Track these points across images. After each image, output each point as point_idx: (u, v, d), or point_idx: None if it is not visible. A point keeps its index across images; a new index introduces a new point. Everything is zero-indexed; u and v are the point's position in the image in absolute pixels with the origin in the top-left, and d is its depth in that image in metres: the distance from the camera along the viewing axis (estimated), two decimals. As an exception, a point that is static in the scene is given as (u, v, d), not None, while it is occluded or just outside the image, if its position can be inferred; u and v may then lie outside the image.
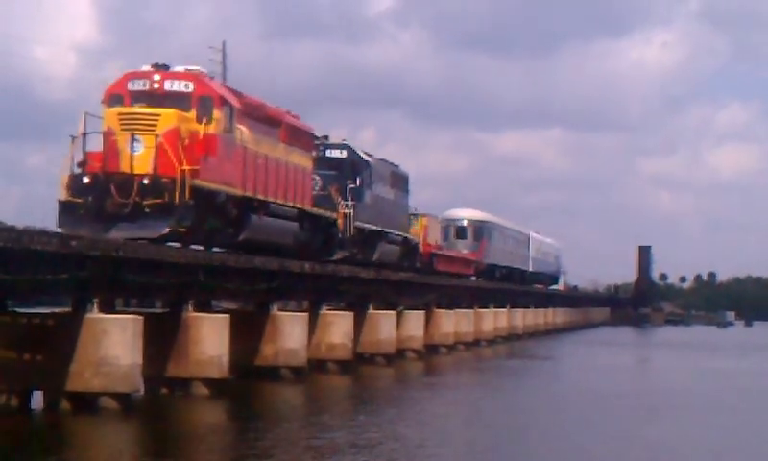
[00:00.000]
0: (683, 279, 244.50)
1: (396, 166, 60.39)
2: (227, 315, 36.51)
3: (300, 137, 43.33)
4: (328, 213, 46.14)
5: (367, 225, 51.71)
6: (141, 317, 30.84)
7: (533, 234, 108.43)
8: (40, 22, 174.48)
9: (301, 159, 43.27)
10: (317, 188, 46.17)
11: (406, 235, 60.71)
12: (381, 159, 57.34)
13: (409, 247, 61.59)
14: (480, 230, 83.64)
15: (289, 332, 41.57)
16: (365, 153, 53.66)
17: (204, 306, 37.12)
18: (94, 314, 29.72)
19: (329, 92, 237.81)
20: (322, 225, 45.62)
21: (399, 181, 59.99)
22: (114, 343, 29.57)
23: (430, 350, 61.36)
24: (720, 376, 54.58)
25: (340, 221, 47.21)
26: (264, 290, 40.14)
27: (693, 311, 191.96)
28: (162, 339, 33.92)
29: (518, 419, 32.91)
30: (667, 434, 29.91)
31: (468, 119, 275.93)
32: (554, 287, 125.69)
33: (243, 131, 37.56)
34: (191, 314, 34.99)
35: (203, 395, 34.32)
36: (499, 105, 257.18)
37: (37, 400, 30.30)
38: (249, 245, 38.60)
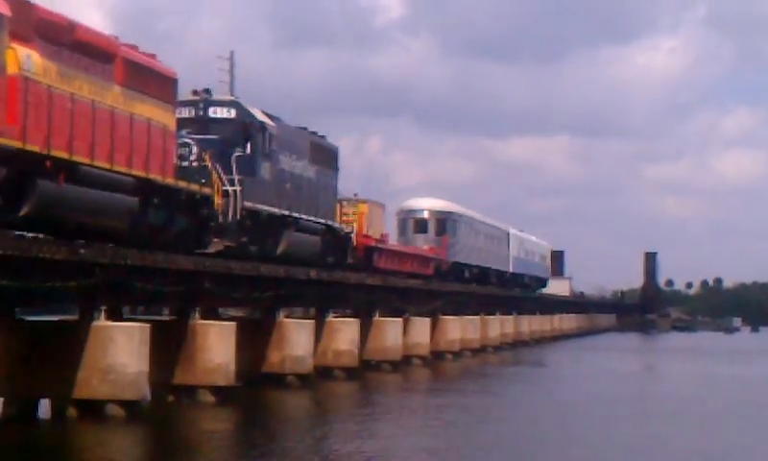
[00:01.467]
0: (689, 285, 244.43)
1: (321, 137, 48.79)
2: (233, 322, 36.58)
3: (149, 81, 32.33)
4: (199, 189, 35.26)
5: (264, 207, 40.15)
6: (148, 325, 30.90)
7: (514, 231, 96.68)
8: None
9: (153, 112, 32.45)
10: (188, 156, 36.14)
11: (331, 224, 48.49)
12: (298, 127, 46.29)
13: (336, 238, 49.86)
14: (443, 222, 71.75)
15: (295, 339, 41.64)
16: (265, 113, 41.63)
17: (211, 314, 37.16)
18: (101, 322, 29.78)
19: (338, 100, 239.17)
20: (186, 204, 34.70)
21: (323, 155, 48.03)
22: (121, 350, 29.62)
23: (436, 356, 61.41)
24: (730, 382, 54.51)
25: (219, 200, 36.31)
26: (270, 297, 40.21)
27: (699, 317, 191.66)
28: (169, 346, 33.95)
29: (523, 428, 32.93)
30: (666, 438, 29.95)
31: (474, 126, 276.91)
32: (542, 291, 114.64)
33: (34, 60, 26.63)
34: (198, 322, 35.03)
35: (209, 402, 34.35)
36: (506, 111, 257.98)
37: (45, 407, 30.38)
38: (34, 223, 27.62)
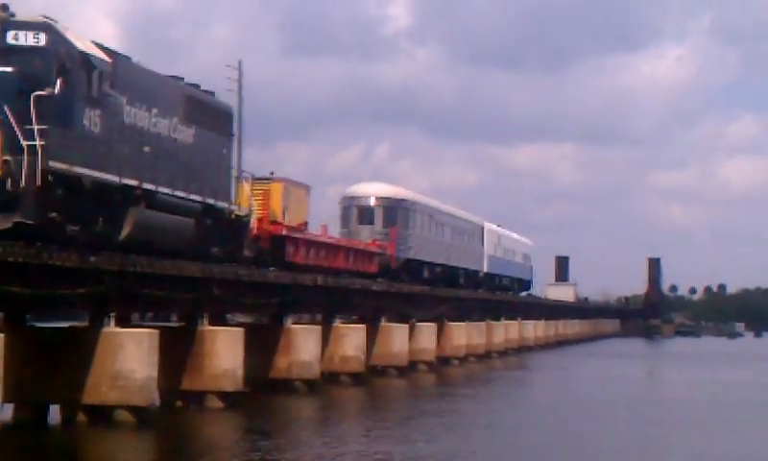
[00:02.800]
0: (692, 291, 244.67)
1: (206, 92, 37.84)
2: (241, 328, 36.73)
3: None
4: None
5: (90, 171, 28.99)
6: (157, 331, 31.06)
7: (489, 226, 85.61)
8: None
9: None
10: None
11: (214, 203, 36.83)
12: (168, 76, 35.48)
13: (224, 223, 38.12)
14: (393, 212, 60.35)
15: (302, 345, 41.81)
16: (101, 46, 30.83)
17: (219, 320, 37.31)
18: (111, 328, 29.95)
19: (346, 109, 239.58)
20: None
21: (207, 114, 36.86)
22: (130, 356, 29.78)
23: (442, 362, 61.62)
24: (734, 387, 54.60)
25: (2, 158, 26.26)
26: (278, 303, 40.38)
27: (703, 322, 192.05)
28: (177, 352, 34.10)
29: (526, 433, 33.05)
30: (663, 439, 30.07)
31: (481, 134, 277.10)
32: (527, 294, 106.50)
33: None
34: (206, 328, 35.21)
35: (217, 408, 34.51)
36: (513, 119, 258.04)
37: (54, 413, 30.53)
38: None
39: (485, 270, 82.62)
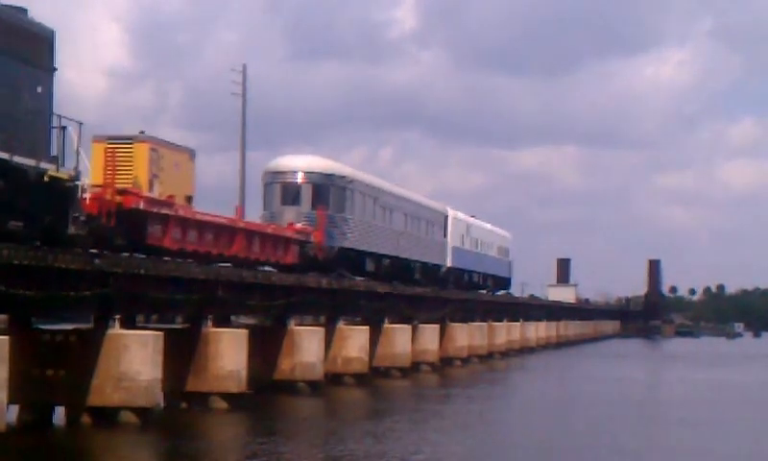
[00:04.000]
0: (692, 292, 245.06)
1: (14, 8, 27.38)
2: (245, 330, 36.71)
3: None
4: None
5: None
6: (161, 333, 31.08)
7: (455, 213, 74.11)
8: (72, 47, 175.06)
9: None
10: None
11: (14, 159, 26.16)
12: None
13: (33, 188, 26.96)
14: (325, 190, 49.76)
15: (306, 347, 41.82)
16: None
17: (223, 322, 37.28)
18: (115, 330, 29.94)
19: (351, 112, 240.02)
20: None
21: (10, 37, 26.29)
22: (135, 358, 29.79)
23: (445, 363, 61.65)
24: (733, 388, 54.59)
25: None
26: (282, 305, 40.36)
27: (702, 323, 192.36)
28: (182, 354, 34.13)
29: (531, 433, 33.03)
30: (657, 437, 30.06)
31: (485, 137, 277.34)
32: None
33: None
34: (210, 329, 35.19)
35: (221, 409, 34.50)
36: (516, 122, 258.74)
37: (59, 414, 30.51)
38: None
39: (449, 264, 71.02)
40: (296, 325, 42.40)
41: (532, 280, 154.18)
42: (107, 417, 29.53)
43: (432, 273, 66.77)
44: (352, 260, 51.61)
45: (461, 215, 76.00)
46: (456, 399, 43.68)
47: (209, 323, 35.26)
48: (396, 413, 36.80)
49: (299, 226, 47.01)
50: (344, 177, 51.45)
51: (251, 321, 44.01)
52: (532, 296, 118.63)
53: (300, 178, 49.51)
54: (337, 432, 31.00)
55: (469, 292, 74.27)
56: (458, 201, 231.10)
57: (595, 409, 40.49)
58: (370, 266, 54.29)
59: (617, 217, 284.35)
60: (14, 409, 29.51)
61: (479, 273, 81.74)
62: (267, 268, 42.82)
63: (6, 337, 23.88)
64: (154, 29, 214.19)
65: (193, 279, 33.65)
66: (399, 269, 59.34)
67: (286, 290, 40.53)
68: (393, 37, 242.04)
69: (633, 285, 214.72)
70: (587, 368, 69.24)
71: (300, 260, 45.38)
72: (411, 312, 56.40)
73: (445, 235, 70.34)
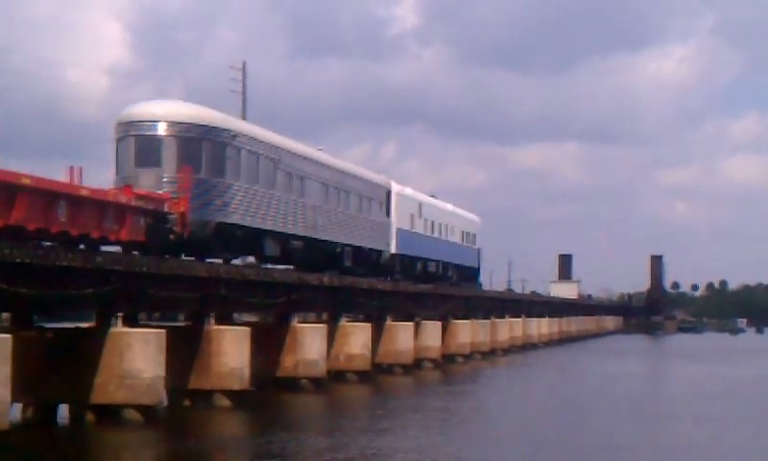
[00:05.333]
0: (694, 288, 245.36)
1: None
2: (247, 328, 36.76)
3: None
4: None
5: None
6: (164, 330, 31.11)
7: (401, 189, 61.23)
8: (74, 46, 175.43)
9: None
10: None
11: None
12: None
13: None
14: (196, 146, 37.46)
15: (309, 344, 41.86)
16: None
17: (226, 319, 37.32)
18: (118, 328, 30.03)
19: (353, 109, 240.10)
20: None
21: None
22: (138, 356, 29.86)
23: (447, 359, 61.67)
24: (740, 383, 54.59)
25: None
26: (284, 303, 40.40)
27: (705, 319, 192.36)
28: (185, 352, 34.17)
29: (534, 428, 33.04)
30: (652, 432, 30.04)
31: (487, 133, 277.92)
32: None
33: None
34: (213, 327, 35.24)
35: (224, 406, 34.54)
36: (518, 119, 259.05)
37: (63, 412, 30.56)
38: None
39: (393, 250, 58.43)
40: (298, 322, 42.41)
41: (534, 277, 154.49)
42: (110, 415, 29.61)
43: (369, 260, 54.77)
44: (240, 240, 39.81)
45: (409, 191, 63.44)
46: (458, 395, 43.67)
47: (212, 320, 35.31)
48: (398, 409, 36.83)
49: (144, 191, 34.80)
50: (225, 130, 38.99)
51: (253, 318, 44.08)
52: (534, 292, 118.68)
53: (161, 130, 37.03)
54: (340, 429, 31.02)
55: (469, 289, 73.94)
56: (460, 198, 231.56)
57: (598, 407, 40.52)
58: (272, 249, 42.57)
59: (620, 213, 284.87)
60: (18, 407, 29.62)
61: (436, 261, 68.00)
62: (265, 269, 41.89)
63: (8, 335, 23.94)
64: (155, 27, 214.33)
65: (195, 277, 33.70)
66: (319, 254, 47.20)
67: (287, 287, 40.56)
68: (394, 34, 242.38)
69: (635, 281, 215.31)
70: (589, 364, 69.18)
71: (150, 237, 33.73)
72: (413, 309, 56.43)
73: (388, 214, 57.94)
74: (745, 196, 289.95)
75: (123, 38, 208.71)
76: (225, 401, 34.74)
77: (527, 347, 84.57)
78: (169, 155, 36.73)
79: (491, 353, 71.71)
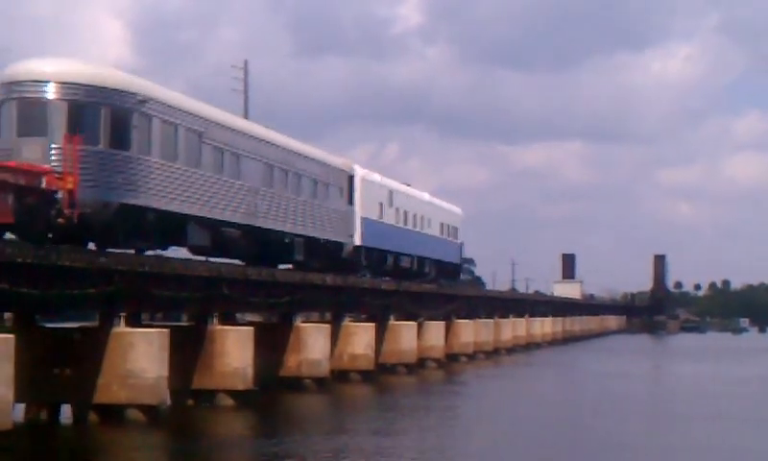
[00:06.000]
0: (697, 287, 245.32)
1: None
2: (251, 327, 36.71)
3: None
4: None
5: None
6: (167, 330, 31.04)
7: (366, 174, 54.60)
8: (75, 45, 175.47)
9: None
10: None
11: None
12: None
13: None
14: (92, 112, 31.01)
15: (312, 343, 41.81)
16: None
17: (229, 319, 37.28)
18: (121, 328, 29.96)
19: (355, 108, 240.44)
20: None
21: None
22: (141, 356, 29.80)
23: (451, 359, 61.63)
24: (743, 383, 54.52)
25: None
26: (287, 302, 40.33)
27: (708, 318, 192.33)
28: (188, 352, 34.10)
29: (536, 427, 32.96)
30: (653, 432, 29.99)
31: (490, 132, 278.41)
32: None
33: None
34: (216, 327, 35.18)
35: (228, 406, 34.48)
36: (521, 118, 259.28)
37: (66, 412, 30.51)
38: None
39: (358, 241, 52.02)
40: (302, 322, 42.37)
41: (537, 276, 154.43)
42: (113, 414, 29.56)
43: (327, 252, 48.11)
44: (154, 227, 33.43)
45: (377, 177, 56.75)
46: (461, 395, 43.65)
47: (215, 320, 35.26)
48: (402, 409, 36.77)
49: (15, 163, 28.38)
50: (131, 94, 32.33)
51: (256, 318, 44.02)
52: (537, 292, 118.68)
53: (49, 92, 30.53)
54: (343, 429, 30.97)
55: (472, 289, 73.87)
56: (462, 197, 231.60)
57: (601, 406, 40.47)
58: (198, 238, 36.50)
59: (622, 212, 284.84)
60: (21, 408, 29.57)
61: (410, 256, 61.03)
62: (268, 269, 40.73)
63: (11, 335, 23.89)
64: (156, 26, 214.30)
65: (197, 277, 33.65)
66: (262, 245, 41.29)
67: (291, 287, 40.50)
68: (397, 33, 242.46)
69: (638, 281, 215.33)
70: (592, 364, 69.10)
71: (22, 219, 27.24)
72: (416, 309, 56.38)
73: (351, 202, 51.57)
74: (748, 195, 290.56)
75: (124, 37, 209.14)
76: (228, 401, 34.69)
77: (530, 346, 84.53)
78: (57, 121, 30.18)
79: (494, 353, 71.66)
